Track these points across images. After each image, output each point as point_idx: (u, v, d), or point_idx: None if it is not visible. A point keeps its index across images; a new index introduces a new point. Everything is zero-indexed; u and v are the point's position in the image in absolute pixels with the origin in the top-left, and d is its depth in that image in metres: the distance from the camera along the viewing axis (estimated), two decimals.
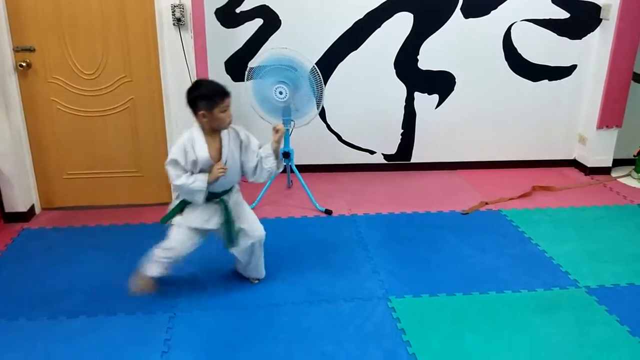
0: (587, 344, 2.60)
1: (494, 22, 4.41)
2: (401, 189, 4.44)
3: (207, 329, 2.67)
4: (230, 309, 2.81)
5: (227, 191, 2.80)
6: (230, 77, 4.36)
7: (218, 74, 4.29)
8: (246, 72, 3.79)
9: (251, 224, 2.89)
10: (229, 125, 2.67)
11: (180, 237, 2.80)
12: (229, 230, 2.80)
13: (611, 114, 4.56)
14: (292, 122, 3.91)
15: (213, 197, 2.75)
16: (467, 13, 4.36)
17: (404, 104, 4.58)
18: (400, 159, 4.78)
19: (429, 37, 4.39)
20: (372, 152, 4.73)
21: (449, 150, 4.79)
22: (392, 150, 4.74)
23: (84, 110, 3.74)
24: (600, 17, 4.47)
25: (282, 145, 2.87)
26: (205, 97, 2.56)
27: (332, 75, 4.42)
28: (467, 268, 3.24)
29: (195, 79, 3.64)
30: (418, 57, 4.44)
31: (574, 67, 4.63)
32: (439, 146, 4.76)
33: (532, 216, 3.94)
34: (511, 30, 4.44)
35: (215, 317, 2.76)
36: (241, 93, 4.28)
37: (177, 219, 2.82)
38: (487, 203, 4.11)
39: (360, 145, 4.69)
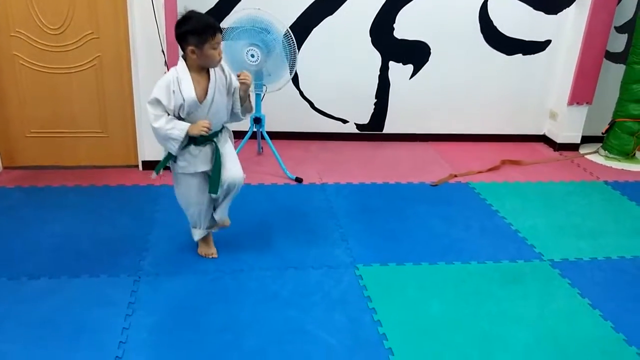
0: (548, 315, 2.65)
1: None
2: (372, 159, 4.42)
3: (172, 293, 2.63)
4: (196, 274, 2.78)
5: (218, 132, 2.65)
6: None
7: None
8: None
9: (231, 165, 2.69)
10: (219, 63, 2.52)
11: (183, 193, 2.73)
12: (217, 175, 2.64)
13: (582, 91, 4.60)
14: (264, 87, 3.84)
15: (204, 140, 2.58)
16: None
17: (378, 73, 4.53)
18: (373, 129, 4.76)
19: (406, 5, 4.33)
20: (344, 121, 4.69)
21: (422, 121, 4.78)
22: (365, 120, 4.71)
23: (48, 66, 3.60)
24: None
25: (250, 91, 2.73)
26: (196, 32, 2.39)
27: (306, 40, 4.34)
28: (434, 239, 3.27)
29: (165, 39, 3.53)
30: (394, 25, 4.38)
31: (548, 42, 4.63)
32: (411, 117, 4.75)
33: (500, 189, 3.98)
34: (488, 3, 4.41)
35: (180, 282, 2.72)
36: None
37: (175, 169, 2.67)
38: (456, 175, 4.14)
39: (333, 113, 4.65)
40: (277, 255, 2.98)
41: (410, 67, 4.55)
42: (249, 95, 2.70)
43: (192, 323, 2.44)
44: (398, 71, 4.55)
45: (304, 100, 4.55)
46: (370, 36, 4.40)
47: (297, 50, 3.71)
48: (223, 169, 2.66)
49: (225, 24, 3.67)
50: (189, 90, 2.46)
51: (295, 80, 4.46)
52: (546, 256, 3.16)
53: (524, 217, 3.59)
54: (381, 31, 4.40)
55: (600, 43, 4.45)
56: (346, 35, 4.37)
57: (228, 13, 4.17)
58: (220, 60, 2.51)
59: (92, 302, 2.54)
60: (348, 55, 4.44)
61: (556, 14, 4.54)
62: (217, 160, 2.63)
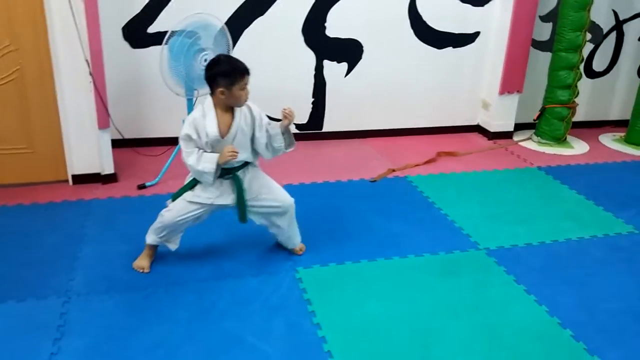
0: (483, 304, 2.70)
1: None
2: (313, 159, 4.40)
3: (103, 313, 2.54)
4: (128, 291, 2.69)
5: (241, 167, 2.73)
6: (129, 44, 4.11)
7: (115, 41, 4.04)
8: (166, 37, 3.51)
9: (275, 195, 2.84)
10: (245, 102, 2.61)
11: (175, 207, 2.75)
12: (241, 207, 2.75)
13: (512, 80, 4.71)
14: (196, 91, 3.76)
15: (225, 173, 2.69)
16: None
17: (314, 72, 4.52)
18: (312, 129, 4.74)
19: (336, 4, 4.33)
20: None
21: (360, 118, 4.80)
22: (304, 119, 4.69)
23: None
24: None
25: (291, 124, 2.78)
26: (225, 75, 2.51)
27: (238, 42, 4.28)
28: (373, 235, 3.28)
29: (88, 47, 3.40)
30: (325, 24, 4.37)
31: (477, 34, 4.72)
32: (349, 115, 4.75)
33: (437, 181, 4.03)
34: None
35: (112, 300, 2.63)
36: (139, 61, 4.09)
37: (186, 193, 2.74)
38: (394, 170, 4.17)
39: (271, 114, 4.54)
40: (214, 265, 2.92)
41: (344, 65, 4.56)
42: (289, 129, 2.74)
43: (123, 342, 2.36)
44: (333, 69, 4.55)
45: None
46: (303, 35, 4.38)
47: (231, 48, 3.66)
48: (272, 199, 2.82)
49: (176, 27, 3.45)
50: (211, 126, 2.58)
51: None
52: (482, 245, 3.22)
53: (459, 207, 3.65)
54: (313, 30, 4.38)
55: (526, 32, 4.56)
56: (278, 35, 4.34)
57: (156, 17, 4.07)
58: (246, 100, 2.62)
59: (19, 328, 2.43)
60: (282, 55, 4.40)
61: (483, 5, 4.62)
62: (239, 191, 2.72)
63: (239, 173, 2.73)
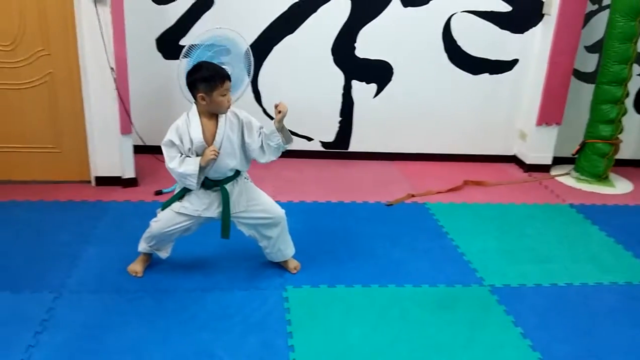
0: (472, 344, 2.55)
1: (434, 13, 4.33)
2: (334, 178, 4.37)
3: (88, 311, 2.60)
4: (117, 293, 2.75)
5: (230, 179, 2.73)
6: (162, 55, 4.25)
7: (149, 51, 4.19)
8: (183, 50, 3.62)
9: (264, 206, 2.84)
10: (228, 109, 2.62)
11: (162, 217, 2.79)
12: (225, 221, 2.74)
13: (551, 111, 4.50)
14: None
15: (213, 184, 2.70)
16: (406, 2, 4.27)
17: (342, 91, 4.50)
18: (338, 147, 4.71)
19: (367, 25, 4.31)
20: (309, 139, 4.65)
21: (387, 140, 4.72)
22: (330, 138, 4.67)
23: None
24: (542, 12, 4.39)
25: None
26: (205, 80, 2.51)
27: (267, 58, 4.33)
28: (374, 260, 3.19)
29: (112, 56, 3.54)
30: (355, 44, 4.35)
31: (515, 61, 4.55)
32: (376, 136, 4.69)
33: (456, 210, 3.88)
34: (451, 22, 4.36)
35: (100, 300, 2.69)
36: (170, 71, 4.20)
37: (174, 207, 2.76)
38: (413, 195, 4.05)
39: (298, 131, 4.60)
40: (205, 276, 2.93)
41: (373, 86, 4.51)
42: (284, 125, 2.68)
43: (98, 342, 2.40)
44: (362, 90, 4.51)
45: (267, 118, 4.52)
46: (333, 55, 4.37)
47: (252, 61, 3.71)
48: (262, 210, 2.81)
49: (195, 41, 3.57)
50: (196, 132, 2.58)
51: (257, 97, 4.45)
52: (487, 281, 3.06)
53: (474, 239, 3.49)
54: (343, 50, 4.37)
55: (568, 63, 4.36)
56: (308, 53, 4.36)
57: (188, 30, 4.19)
58: (229, 107, 2.61)
59: (7, 318, 2.53)
60: (310, 74, 4.42)
61: (522, 33, 4.46)
62: (225, 205, 2.70)
63: (228, 186, 2.72)
